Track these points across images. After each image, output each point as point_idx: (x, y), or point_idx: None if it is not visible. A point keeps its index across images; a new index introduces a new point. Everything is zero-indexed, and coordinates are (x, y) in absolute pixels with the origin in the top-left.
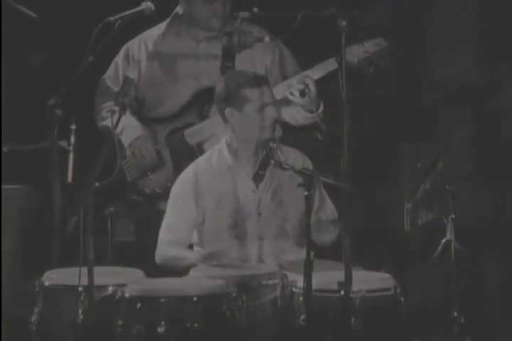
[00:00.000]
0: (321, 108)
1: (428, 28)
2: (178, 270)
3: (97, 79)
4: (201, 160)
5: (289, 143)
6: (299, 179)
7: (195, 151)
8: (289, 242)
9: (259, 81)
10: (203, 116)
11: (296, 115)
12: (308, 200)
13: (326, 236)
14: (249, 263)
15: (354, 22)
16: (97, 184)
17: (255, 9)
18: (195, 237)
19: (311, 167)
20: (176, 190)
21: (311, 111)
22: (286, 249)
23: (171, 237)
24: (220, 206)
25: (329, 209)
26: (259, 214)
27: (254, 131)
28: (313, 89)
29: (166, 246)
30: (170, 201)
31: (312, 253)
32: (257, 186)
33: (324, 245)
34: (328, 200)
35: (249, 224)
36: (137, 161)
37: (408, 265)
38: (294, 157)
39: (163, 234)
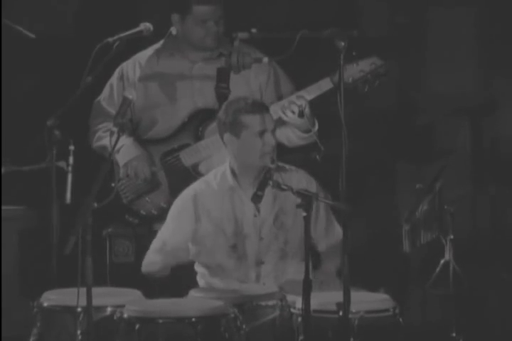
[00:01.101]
0: (316, 127)
1: (424, 45)
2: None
3: (95, 99)
4: (204, 180)
5: (287, 163)
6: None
7: (190, 173)
8: (290, 264)
9: (258, 108)
10: (198, 137)
11: (291, 136)
12: (307, 221)
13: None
14: (249, 284)
15: (352, 42)
16: (95, 204)
17: (253, 30)
18: (195, 258)
19: (315, 188)
20: (175, 207)
21: (307, 131)
22: (288, 271)
23: (160, 247)
24: (220, 228)
25: (338, 232)
26: (261, 238)
27: (252, 157)
28: (307, 109)
29: (153, 254)
30: (168, 217)
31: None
32: (258, 210)
33: None
34: (335, 223)
35: (250, 247)
36: (131, 183)
37: (407, 286)
38: (298, 177)
39: (153, 244)
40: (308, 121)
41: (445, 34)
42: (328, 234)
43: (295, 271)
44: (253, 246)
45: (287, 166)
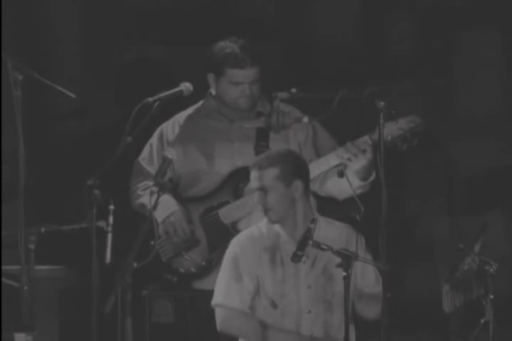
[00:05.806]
0: (373, 176)
1: (460, 104)
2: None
3: (135, 159)
4: (249, 231)
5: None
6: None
7: (229, 230)
8: (336, 317)
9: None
10: (238, 195)
11: (344, 186)
12: (347, 281)
13: (369, 312)
14: (296, 334)
15: (391, 102)
16: (135, 264)
17: (293, 90)
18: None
19: (363, 244)
20: (234, 251)
21: (364, 179)
22: (334, 324)
23: (229, 303)
24: (269, 274)
25: (369, 279)
26: (309, 287)
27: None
28: (369, 154)
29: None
30: (225, 264)
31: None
32: (307, 256)
33: (370, 319)
34: (370, 269)
35: (297, 295)
36: (171, 240)
37: None
38: (347, 234)
39: (221, 299)
40: (367, 167)
41: (480, 96)
42: (357, 278)
43: (341, 325)
44: (300, 294)
45: (337, 222)
